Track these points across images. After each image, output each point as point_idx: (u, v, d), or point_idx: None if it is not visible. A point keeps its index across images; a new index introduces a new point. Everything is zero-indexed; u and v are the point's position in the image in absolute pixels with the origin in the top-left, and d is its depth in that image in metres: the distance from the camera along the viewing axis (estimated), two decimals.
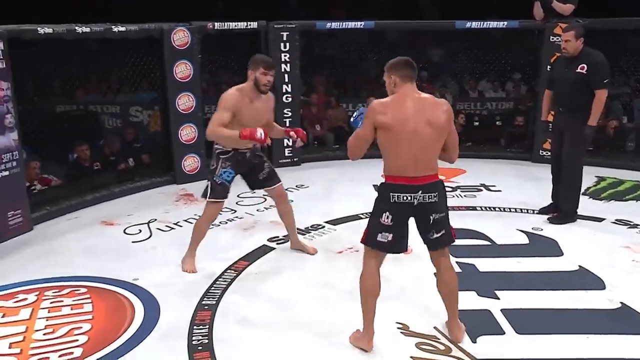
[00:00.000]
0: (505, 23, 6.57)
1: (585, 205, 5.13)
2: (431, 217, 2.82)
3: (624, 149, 6.89)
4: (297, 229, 4.30)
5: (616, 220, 4.78)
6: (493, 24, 6.62)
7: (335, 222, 4.78)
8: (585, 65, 4.50)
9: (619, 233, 4.53)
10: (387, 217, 2.82)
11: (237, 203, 5.27)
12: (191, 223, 4.80)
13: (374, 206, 2.91)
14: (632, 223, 4.69)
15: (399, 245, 2.88)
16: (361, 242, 2.95)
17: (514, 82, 8.88)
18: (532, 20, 6.46)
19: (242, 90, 3.71)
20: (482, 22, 6.58)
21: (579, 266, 3.93)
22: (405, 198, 2.78)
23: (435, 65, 9.64)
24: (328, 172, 5.55)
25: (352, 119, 2.97)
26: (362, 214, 4.93)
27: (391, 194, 2.80)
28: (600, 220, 4.80)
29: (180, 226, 4.77)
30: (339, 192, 5.53)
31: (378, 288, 2.93)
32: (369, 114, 2.80)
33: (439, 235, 2.87)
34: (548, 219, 4.78)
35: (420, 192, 2.77)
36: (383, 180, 2.87)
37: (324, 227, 4.67)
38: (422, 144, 2.75)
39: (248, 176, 3.99)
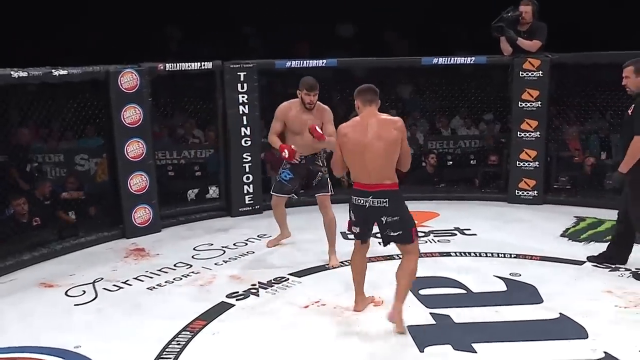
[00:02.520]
0: (473, 59, 6.76)
1: (564, 247, 5.21)
2: (382, 219, 3.59)
3: (602, 187, 6.88)
4: (259, 282, 4.58)
5: (597, 263, 4.84)
6: (460, 60, 6.81)
7: (300, 273, 4.74)
8: (633, 106, 4.31)
9: (600, 277, 4.58)
10: (352, 215, 3.73)
11: (192, 257, 5.20)
12: (142, 281, 4.73)
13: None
14: (613, 266, 4.73)
15: (365, 235, 3.82)
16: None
17: (486, 121, 9.09)
18: (501, 55, 6.67)
19: (291, 103, 4.90)
20: (449, 58, 6.77)
21: (560, 314, 3.96)
22: (359, 201, 3.62)
23: (404, 102, 9.79)
24: (292, 219, 5.51)
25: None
26: (329, 263, 4.89)
27: (352, 196, 3.69)
28: (580, 263, 4.85)
29: (130, 285, 4.66)
30: (303, 240, 5.50)
31: (360, 265, 3.93)
32: (337, 137, 3.72)
33: (396, 234, 3.62)
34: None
35: (370, 197, 3.56)
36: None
37: (287, 279, 4.63)
38: (373, 157, 3.54)
39: (306, 180, 5.04)
